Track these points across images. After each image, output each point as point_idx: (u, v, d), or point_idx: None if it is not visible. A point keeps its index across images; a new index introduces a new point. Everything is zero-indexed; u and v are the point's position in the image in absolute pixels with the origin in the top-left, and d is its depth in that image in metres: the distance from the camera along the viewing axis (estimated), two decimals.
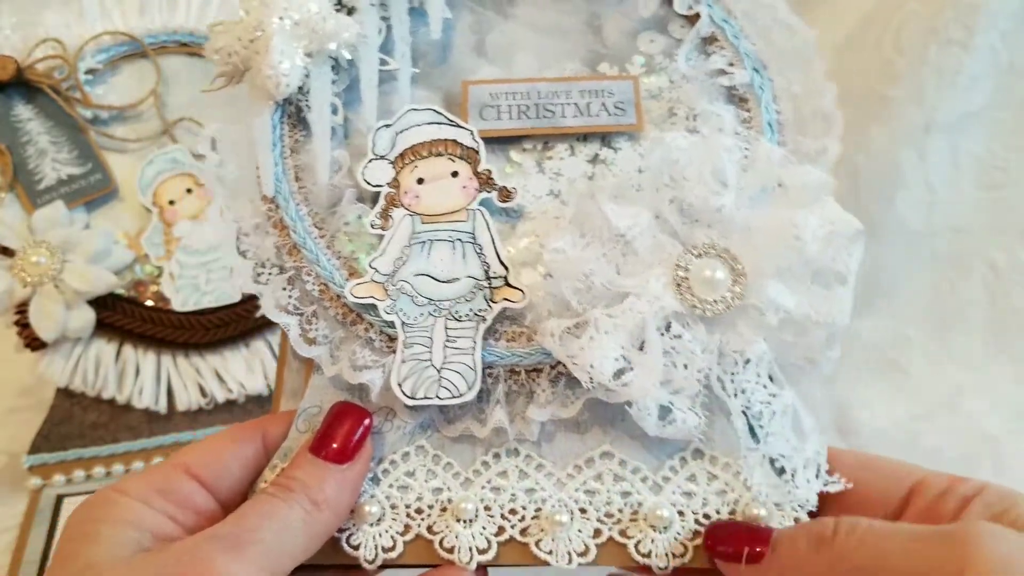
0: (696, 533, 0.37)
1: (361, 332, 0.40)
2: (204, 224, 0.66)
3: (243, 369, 0.66)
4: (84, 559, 0.32)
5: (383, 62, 0.44)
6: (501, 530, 0.37)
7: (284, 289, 0.40)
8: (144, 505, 0.35)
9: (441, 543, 0.37)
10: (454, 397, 0.38)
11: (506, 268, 0.40)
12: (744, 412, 0.37)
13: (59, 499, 0.62)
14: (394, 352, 0.39)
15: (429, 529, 0.38)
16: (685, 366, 0.36)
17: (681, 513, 0.37)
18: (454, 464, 0.39)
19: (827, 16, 0.72)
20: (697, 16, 0.45)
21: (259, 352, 0.66)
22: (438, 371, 0.38)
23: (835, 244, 0.37)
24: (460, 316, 0.39)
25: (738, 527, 0.36)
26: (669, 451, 0.38)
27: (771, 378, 0.38)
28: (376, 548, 0.37)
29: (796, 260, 0.36)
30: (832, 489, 0.37)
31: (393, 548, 0.37)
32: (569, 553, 0.37)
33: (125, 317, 0.64)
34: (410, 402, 0.38)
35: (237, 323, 0.65)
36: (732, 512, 0.37)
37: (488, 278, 0.40)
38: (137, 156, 0.65)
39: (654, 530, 0.37)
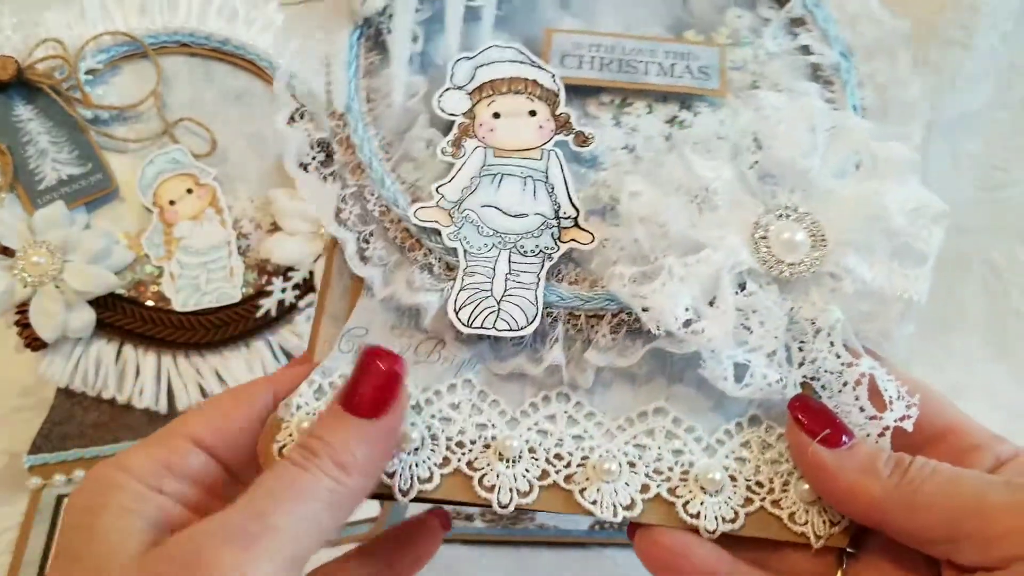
0: (747, 500, 0.35)
1: (419, 258, 0.39)
2: (204, 224, 0.66)
3: (243, 369, 0.66)
4: (86, 559, 0.30)
5: None
6: (545, 474, 0.35)
7: (344, 203, 0.40)
8: (149, 489, 0.32)
9: (481, 480, 0.35)
10: (512, 330, 0.37)
11: (577, 210, 0.39)
12: (810, 381, 0.36)
13: (60, 499, 0.62)
14: (453, 280, 0.38)
15: (469, 464, 0.36)
16: (761, 323, 0.35)
17: (733, 479, 0.35)
18: (501, 402, 0.37)
19: None
20: None
21: (259, 352, 0.66)
22: (498, 302, 0.37)
23: (919, 222, 0.36)
24: (525, 251, 0.38)
25: (827, 410, 0.35)
26: (726, 415, 0.37)
27: (847, 349, 0.36)
28: (412, 478, 0.35)
29: (879, 233, 0.36)
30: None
31: (430, 479, 0.35)
32: (614, 505, 0.35)
33: (125, 317, 0.64)
34: (466, 330, 0.37)
35: (237, 323, 0.65)
36: (785, 484, 0.35)
37: (558, 217, 0.39)
38: (137, 156, 0.65)
39: (704, 492, 0.35)
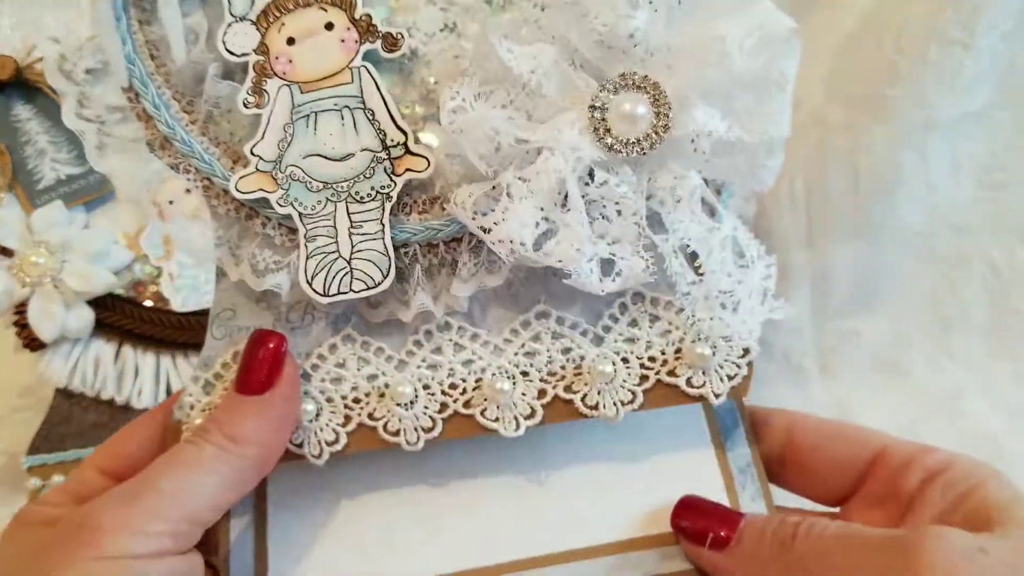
0: (643, 378, 0.36)
1: (258, 228, 0.36)
2: (203, 223, 0.66)
3: None
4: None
5: None
6: (444, 407, 0.36)
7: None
8: (55, 509, 0.34)
9: (385, 427, 0.36)
10: (369, 288, 0.35)
11: (404, 133, 0.35)
12: (680, 250, 0.35)
13: None
14: (297, 247, 0.35)
15: (371, 416, 0.36)
16: (619, 212, 0.34)
17: (625, 360, 0.36)
18: (385, 348, 0.37)
19: (827, 16, 0.72)
20: None
21: None
22: (348, 262, 0.35)
23: (766, 51, 0.33)
24: (362, 197, 0.35)
25: (708, 506, 0.35)
26: (607, 300, 0.37)
27: (711, 211, 0.35)
28: (320, 443, 0.36)
29: (723, 78, 0.33)
30: (777, 315, 0.36)
31: (336, 441, 0.36)
32: (516, 418, 0.36)
33: (124, 317, 0.63)
34: (325, 300, 0.35)
35: None
36: (678, 351, 0.36)
37: (386, 147, 0.35)
38: (136, 156, 0.65)
39: (599, 382, 0.36)
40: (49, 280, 0.61)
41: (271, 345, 0.35)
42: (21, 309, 0.61)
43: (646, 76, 0.33)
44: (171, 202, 0.65)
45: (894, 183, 0.71)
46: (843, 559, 0.30)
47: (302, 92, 0.36)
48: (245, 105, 0.35)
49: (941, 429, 0.70)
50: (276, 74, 0.35)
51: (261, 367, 0.34)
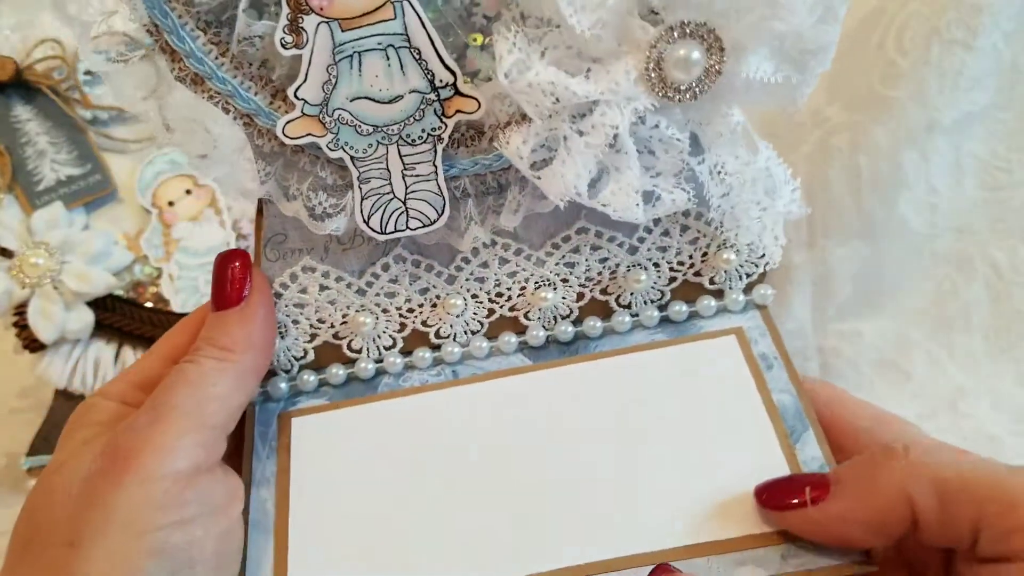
0: (671, 279, 0.39)
1: (307, 165, 0.36)
2: (203, 225, 0.66)
3: None
4: (54, 462, 0.34)
5: None
6: (491, 312, 0.39)
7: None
8: (119, 404, 0.35)
9: (438, 333, 0.39)
10: (425, 226, 0.37)
11: (453, 73, 0.34)
12: (714, 170, 0.36)
13: None
14: (349, 186, 0.36)
15: (424, 323, 0.39)
16: (666, 151, 0.34)
17: (657, 265, 0.39)
18: (435, 264, 0.39)
19: None
20: None
21: None
22: (403, 202, 0.36)
23: (818, 9, 0.33)
24: (413, 140, 0.35)
25: (787, 478, 0.33)
26: None
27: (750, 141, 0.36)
28: (379, 348, 0.39)
29: (784, 29, 0.32)
30: (794, 208, 0.38)
31: (394, 345, 0.39)
32: (555, 318, 0.39)
33: (124, 318, 0.63)
34: (382, 236, 0.37)
35: None
36: (704, 255, 0.38)
37: (435, 89, 0.34)
38: (136, 157, 0.65)
39: (633, 285, 0.39)
40: (49, 281, 0.61)
41: (236, 264, 0.37)
42: (21, 310, 0.61)
43: (705, 24, 0.32)
44: (171, 203, 0.65)
45: (896, 183, 0.71)
46: (966, 466, 0.30)
47: (342, 30, 0.33)
48: (283, 45, 0.33)
49: (943, 430, 0.70)
50: (312, 9, 0.33)
51: (231, 280, 0.37)
